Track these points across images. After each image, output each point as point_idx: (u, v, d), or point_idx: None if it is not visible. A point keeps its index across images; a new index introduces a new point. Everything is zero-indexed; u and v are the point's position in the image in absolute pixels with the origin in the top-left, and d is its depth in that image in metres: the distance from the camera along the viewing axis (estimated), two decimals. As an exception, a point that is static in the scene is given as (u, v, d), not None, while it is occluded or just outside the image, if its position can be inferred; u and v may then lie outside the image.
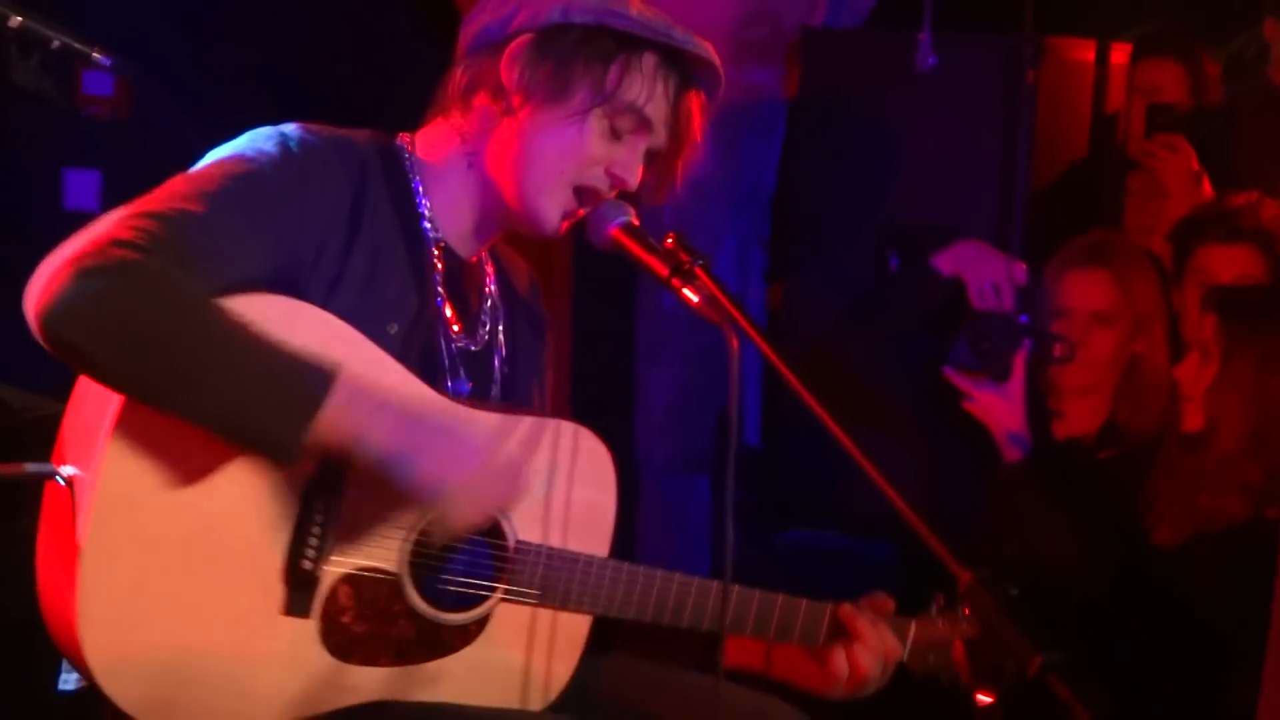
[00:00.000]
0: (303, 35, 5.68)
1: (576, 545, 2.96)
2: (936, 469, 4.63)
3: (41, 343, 2.51)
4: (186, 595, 2.65)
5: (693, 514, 5.70)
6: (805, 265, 5.50)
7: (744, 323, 2.83)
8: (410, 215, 2.94)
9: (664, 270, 2.89)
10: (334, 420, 2.58)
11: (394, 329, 2.88)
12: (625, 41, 2.90)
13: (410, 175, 2.96)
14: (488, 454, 2.73)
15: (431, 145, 2.99)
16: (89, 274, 2.49)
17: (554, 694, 3.00)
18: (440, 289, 2.98)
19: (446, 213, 2.98)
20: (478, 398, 3.01)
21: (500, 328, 3.09)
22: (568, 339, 5.54)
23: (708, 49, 2.95)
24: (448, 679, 2.88)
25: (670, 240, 2.91)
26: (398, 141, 2.99)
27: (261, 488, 2.67)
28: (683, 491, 5.72)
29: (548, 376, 3.25)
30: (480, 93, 2.93)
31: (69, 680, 2.81)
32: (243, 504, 2.67)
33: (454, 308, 3.01)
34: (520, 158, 2.91)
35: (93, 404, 2.65)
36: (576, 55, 2.88)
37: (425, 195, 2.96)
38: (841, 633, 3.10)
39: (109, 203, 5.70)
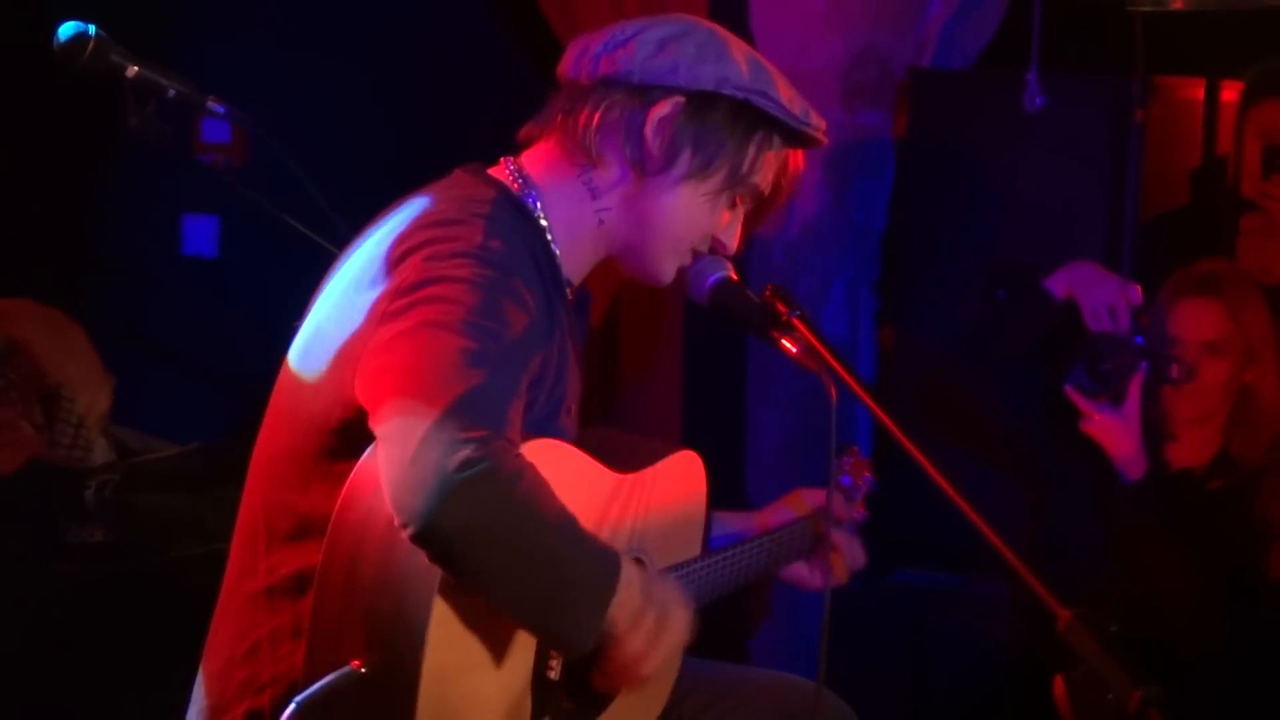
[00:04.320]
0: (411, 76, 5.76)
1: (685, 555, 3.08)
2: (1051, 497, 4.62)
3: (415, 542, 2.48)
4: None
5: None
6: (915, 305, 5.51)
7: (842, 372, 2.85)
8: (558, 279, 2.91)
9: (762, 323, 2.92)
10: (613, 617, 2.60)
11: (573, 408, 2.94)
12: (763, 120, 2.90)
13: (545, 232, 2.90)
14: (677, 638, 2.73)
15: (551, 182, 2.92)
16: (464, 486, 2.43)
17: (669, 691, 3.09)
18: (576, 337, 3.01)
19: (570, 255, 2.93)
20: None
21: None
22: (678, 378, 5.55)
23: (823, 129, 2.97)
24: (622, 712, 2.95)
25: (768, 292, 2.94)
26: (516, 191, 2.90)
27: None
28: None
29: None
30: (612, 140, 2.88)
31: None
32: (495, 650, 2.70)
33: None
34: (649, 223, 2.91)
35: (378, 595, 2.63)
36: (721, 133, 2.87)
37: (559, 249, 2.92)
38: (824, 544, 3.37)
39: (227, 248, 5.82)
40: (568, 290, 2.94)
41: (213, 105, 3.35)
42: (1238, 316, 4.37)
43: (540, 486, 2.53)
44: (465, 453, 2.43)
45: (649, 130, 2.85)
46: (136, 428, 4.72)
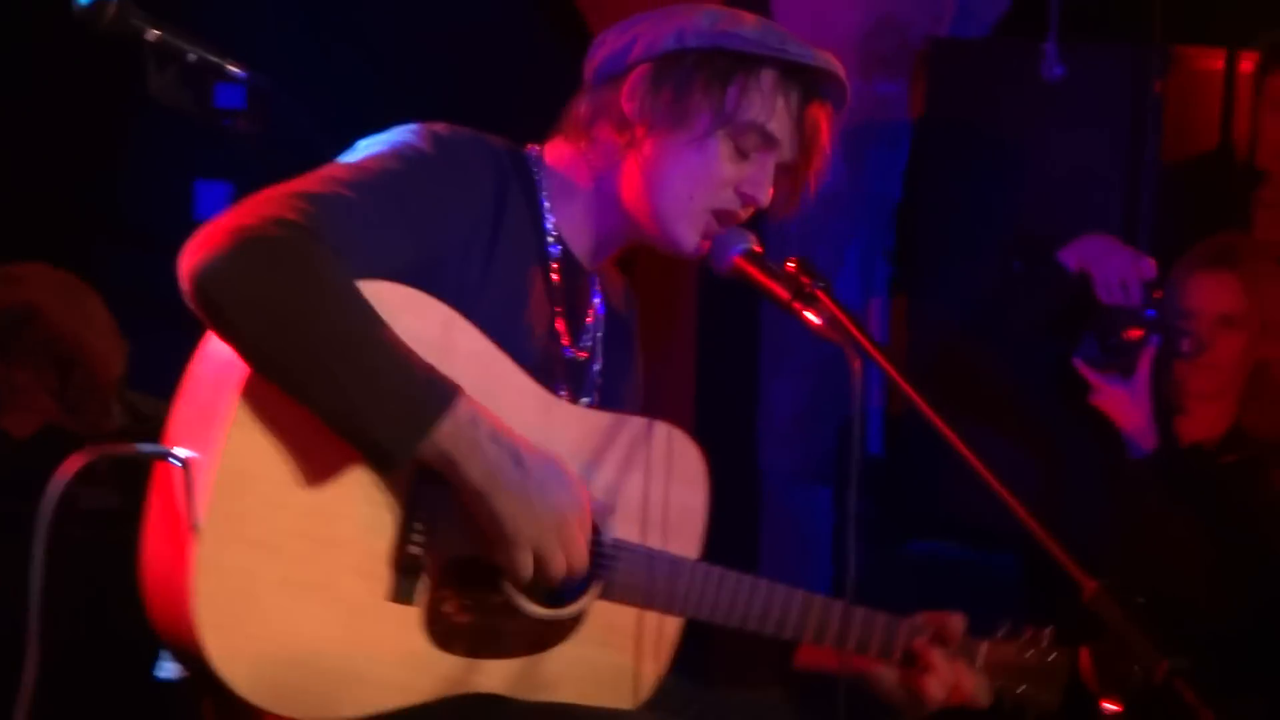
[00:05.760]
0: (430, 45, 5.74)
1: (672, 547, 3.00)
2: (1062, 469, 4.62)
3: (187, 300, 2.58)
4: (299, 578, 2.68)
5: (815, 524, 5.69)
6: (930, 275, 5.49)
7: (866, 343, 2.86)
8: (538, 227, 2.99)
9: (785, 294, 2.92)
10: (442, 441, 2.63)
11: (538, 330, 2.96)
12: (741, 61, 2.93)
13: (539, 186, 3.00)
14: (570, 512, 2.76)
15: (559, 160, 3.03)
16: (248, 245, 2.55)
17: (644, 694, 3.04)
18: (559, 301, 3.03)
19: (571, 227, 3.03)
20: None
21: (599, 336, 3.12)
22: (692, 348, 5.54)
23: (828, 59, 2.98)
24: (543, 674, 2.90)
25: (791, 264, 2.93)
26: (526, 150, 3.03)
27: (375, 473, 2.70)
28: (806, 502, 5.71)
29: (639, 384, 3.27)
30: (603, 124, 2.99)
31: (167, 668, 2.84)
32: (356, 488, 2.70)
33: (565, 319, 3.05)
34: (650, 187, 2.95)
35: (208, 391, 2.70)
36: (693, 80, 2.91)
37: (551, 208, 3.00)
38: (914, 658, 3.14)
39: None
40: (554, 262, 3.00)
41: (234, 70, 3.33)
42: (1254, 290, 4.36)
43: (345, 284, 2.60)
44: (249, 221, 2.57)
45: (624, 102, 2.96)
46: (151, 393, 4.71)
